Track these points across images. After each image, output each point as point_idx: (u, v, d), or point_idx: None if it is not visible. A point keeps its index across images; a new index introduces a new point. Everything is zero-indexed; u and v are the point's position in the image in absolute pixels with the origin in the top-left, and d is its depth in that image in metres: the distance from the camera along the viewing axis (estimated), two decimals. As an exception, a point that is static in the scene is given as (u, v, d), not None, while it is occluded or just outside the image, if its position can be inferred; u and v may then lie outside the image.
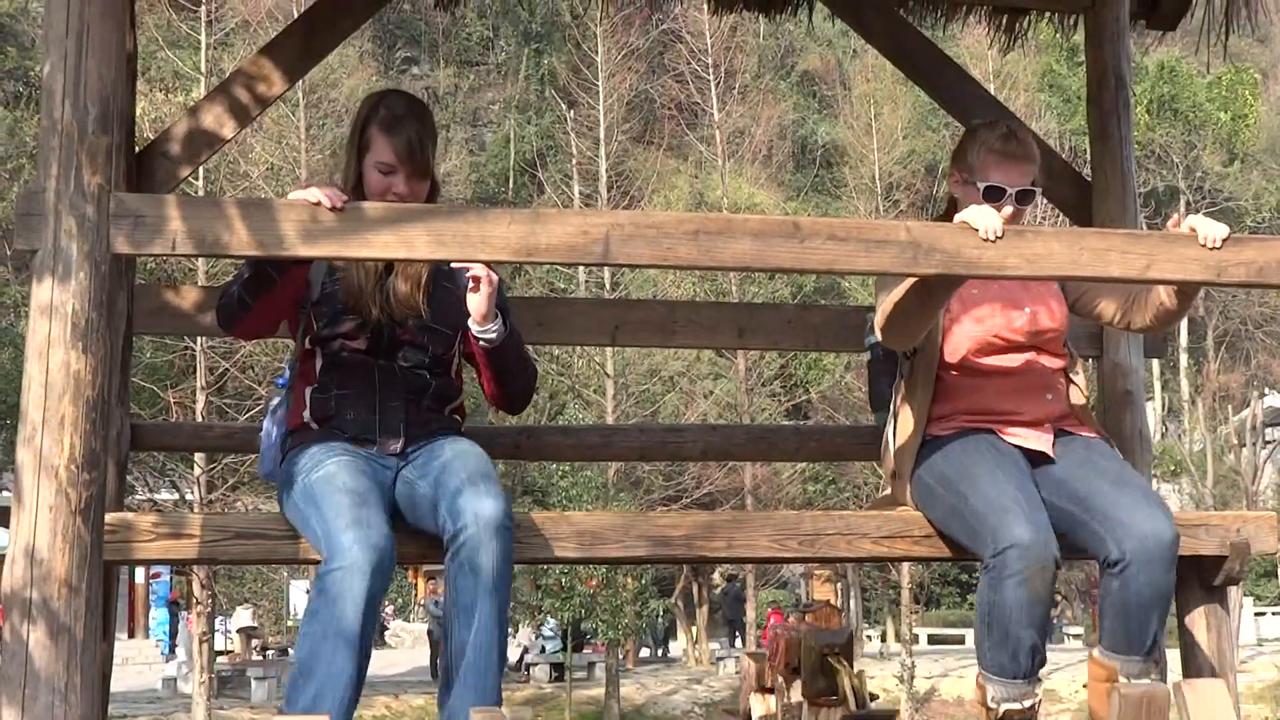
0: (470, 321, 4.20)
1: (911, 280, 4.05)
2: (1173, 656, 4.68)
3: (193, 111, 5.08)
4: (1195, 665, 4.51)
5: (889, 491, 4.56)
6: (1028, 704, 4.01)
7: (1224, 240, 3.90)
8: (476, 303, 4.16)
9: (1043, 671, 4.03)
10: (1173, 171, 48.50)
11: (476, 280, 4.13)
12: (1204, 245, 3.89)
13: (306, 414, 4.20)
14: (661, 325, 5.08)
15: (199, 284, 16.33)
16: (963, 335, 4.37)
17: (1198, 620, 4.51)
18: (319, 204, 3.56)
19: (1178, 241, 3.90)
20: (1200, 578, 4.48)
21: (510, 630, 29.84)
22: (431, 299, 4.26)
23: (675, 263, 3.64)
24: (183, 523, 3.89)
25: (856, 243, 3.69)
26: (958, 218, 3.87)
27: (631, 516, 4.14)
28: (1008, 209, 4.30)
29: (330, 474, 3.91)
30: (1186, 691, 3.78)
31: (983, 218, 3.80)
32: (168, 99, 26.71)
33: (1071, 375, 4.52)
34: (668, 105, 48.61)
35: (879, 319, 4.25)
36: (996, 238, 3.78)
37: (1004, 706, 4.01)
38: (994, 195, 4.31)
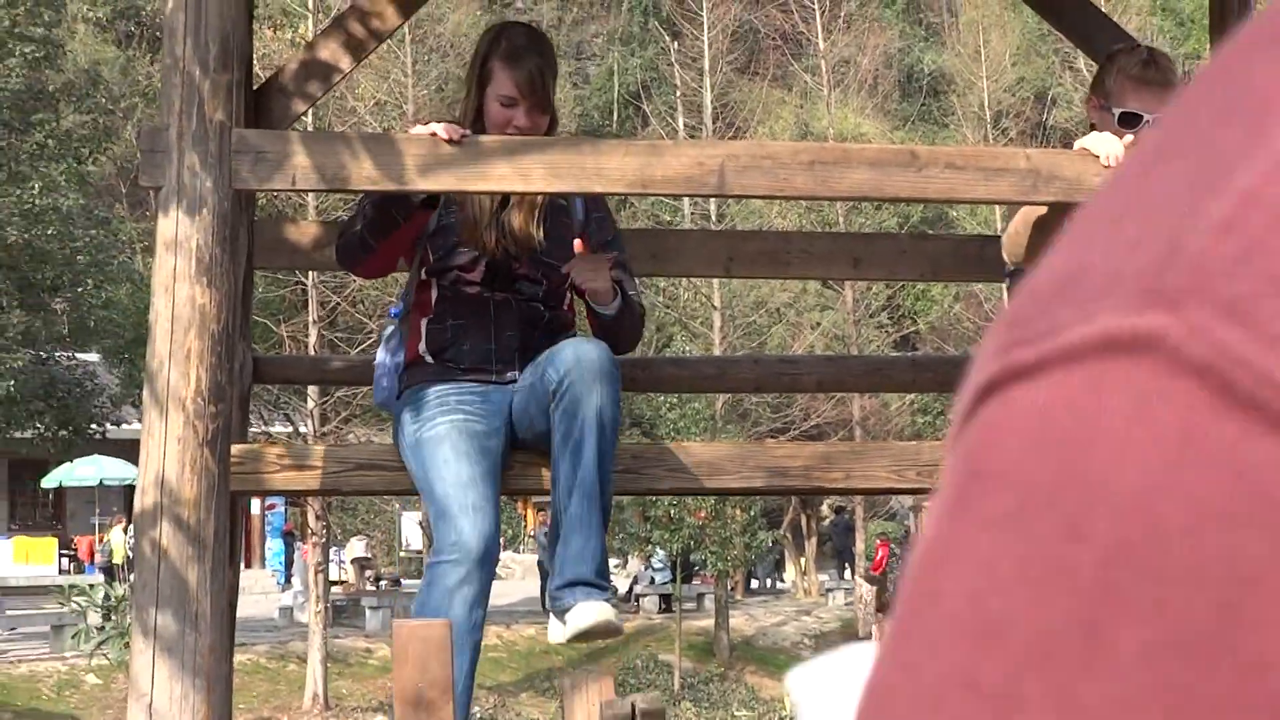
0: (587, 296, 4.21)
1: (1035, 208, 4.01)
2: None
3: (309, 47, 5.11)
4: None
5: None
6: None
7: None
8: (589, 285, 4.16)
9: None
10: None
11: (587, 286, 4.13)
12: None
13: (422, 345, 4.23)
14: (775, 256, 5.06)
15: (310, 219, 16.50)
16: None
17: None
18: (437, 137, 3.58)
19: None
20: None
21: (619, 561, 29.93)
22: (547, 232, 4.27)
23: (791, 193, 3.62)
24: (306, 454, 3.96)
25: (975, 171, 3.65)
26: (1078, 144, 3.82)
27: (748, 447, 4.15)
28: None
29: (443, 436, 3.93)
30: None
31: (1104, 144, 3.74)
32: (276, 36, 26.91)
33: None
34: (772, 35, 48.18)
35: (1007, 244, 4.21)
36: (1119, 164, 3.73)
37: None
38: (1129, 122, 4.23)
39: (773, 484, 4.12)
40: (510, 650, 27.90)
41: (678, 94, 37.88)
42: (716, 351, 30.02)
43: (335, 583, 31.51)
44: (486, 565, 3.74)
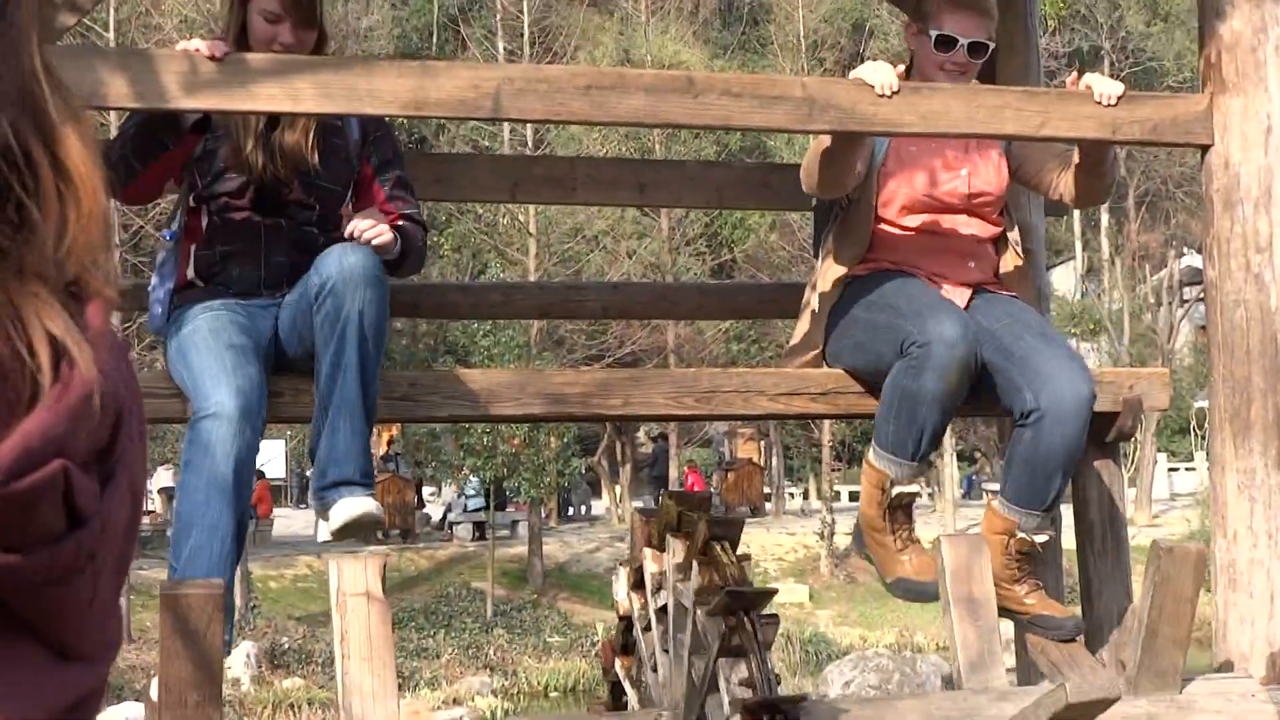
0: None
1: (824, 137, 4.02)
2: (1065, 512, 4.75)
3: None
4: (1087, 520, 4.58)
5: (798, 341, 4.52)
6: (914, 489, 4.07)
7: (1119, 98, 3.90)
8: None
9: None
10: (1097, 32, 48.41)
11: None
12: (1099, 103, 3.89)
13: (191, 271, 4.13)
14: (561, 181, 5.02)
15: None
16: (896, 191, 4.34)
17: (1091, 476, 4.57)
18: (199, 53, 3.47)
19: (1073, 99, 3.89)
20: (1094, 433, 4.52)
21: (434, 489, 29.83)
22: (320, 154, 4.17)
23: (568, 118, 3.59)
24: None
25: (751, 99, 3.65)
26: (853, 74, 3.83)
27: (526, 374, 4.13)
28: (959, 59, 4.24)
29: (204, 326, 3.87)
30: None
31: (877, 73, 3.76)
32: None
33: (1008, 239, 4.49)
34: (592, -40, 47.89)
35: (802, 172, 4.23)
36: (892, 93, 3.75)
37: (897, 489, 4.05)
38: (945, 45, 4.23)
39: (551, 411, 4.10)
40: (320, 580, 27.64)
41: (497, 18, 37.46)
42: (532, 279, 29.93)
43: (146, 512, 30.92)
44: (249, 419, 3.67)
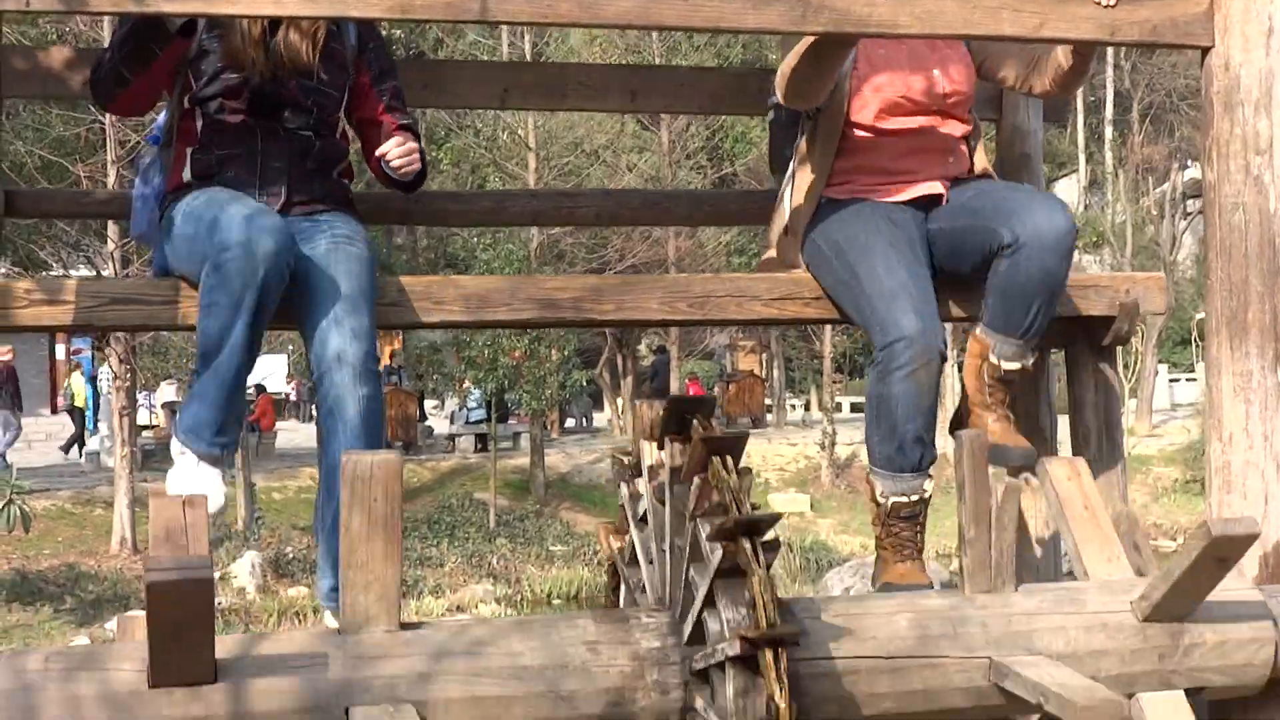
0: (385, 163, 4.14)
1: (808, 40, 3.98)
2: (1062, 422, 4.74)
3: None
4: (1083, 425, 4.58)
5: (774, 253, 4.53)
6: (914, 497, 4.06)
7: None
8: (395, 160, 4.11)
9: (933, 469, 4.08)
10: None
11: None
12: (1098, 3, 3.84)
13: (187, 173, 4.10)
14: (552, 88, 4.97)
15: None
16: (869, 95, 4.32)
17: (1087, 381, 4.56)
18: (182, -45, 3.41)
19: (1071, 0, 3.84)
20: (1090, 338, 4.52)
21: (436, 402, 29.93)
22: (319, 57, 4.14)
23: (556, 19, 3.53)
24: (58, 288, 3.81)
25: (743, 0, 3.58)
26: (848, -27, 3.77)
27: (518, 280, 4.10)
28: None
29: (206, 196, 3.86)
30: (1047, 468, 3.84)
31: None
32: None
33: (972, 142, 4.48)
34: None
35: (779, 79, 4.19)
36: (887, -6, 3.69)
37: (892, 500, 4.06)
38: None
39: (543, 316, 4.08)
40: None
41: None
42: (532, 191, 29.77)
43: (146, 427, 30.99)
44: (275, 258, 3.65)
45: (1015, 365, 4.16)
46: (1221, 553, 3.21)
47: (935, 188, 4.33)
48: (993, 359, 4.15)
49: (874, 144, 4.34)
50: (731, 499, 3.06)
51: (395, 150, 4.09)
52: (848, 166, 4.35)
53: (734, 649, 2.98)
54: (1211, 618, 3.53)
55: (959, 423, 4.29)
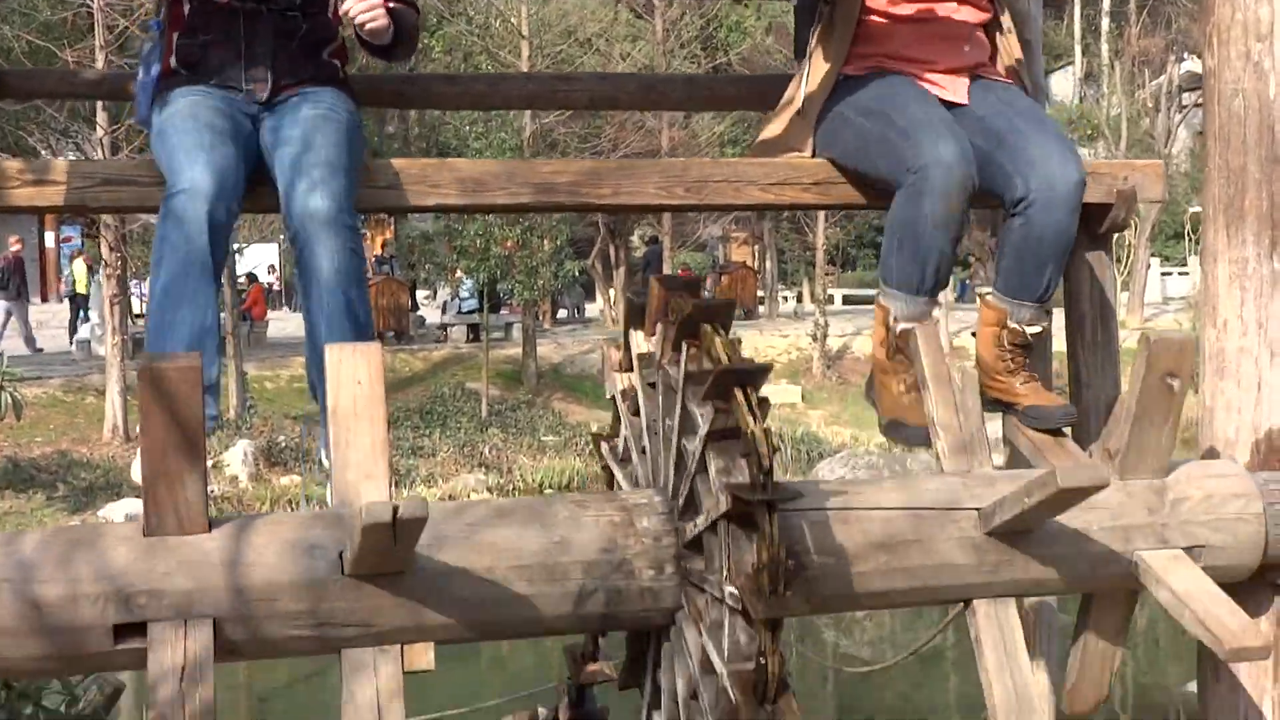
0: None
1: None
2: (1057, 314, 4.73)
3: None
4: (1078, 312, 4.57)
5: (772, 133, 4.47)
6: (925, 324, 4.04)
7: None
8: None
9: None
10: None
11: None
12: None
13: (174, 60, 4.08)
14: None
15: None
16: None
17: (1083, 267, 4.55)
18: None
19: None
20: (1087, 225, 4.49)
21: (429, 291, 29.90)
22: None
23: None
24: (48, 169, 3.78)
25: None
26: None
27: (514, 164, 4.07)
28: None
29: (184, 108, 3.82)
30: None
31: None
32: None
33: (1001, 24, 4.43)
34: None
35: None
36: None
37: (902, 325, 4.04)
38: None
39: (540, 200, 4.06)
40: (317, 381, 27.81)
41: None
42: (524, 80, 29.52)
43: (139, 316, 30.93)
44: (223, 197, 3.66)
45: (1038, 328, 4.14)
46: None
47: (956, 91, 4.25)
48: (1013, 324, 4.11)
49: (889, 30, 4.29)
50: (725, 354, 3.03)
51: (353, 9, 3.96)
52: (864, 53, 4.30)
53: (726, 503, 2.97)
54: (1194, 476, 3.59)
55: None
